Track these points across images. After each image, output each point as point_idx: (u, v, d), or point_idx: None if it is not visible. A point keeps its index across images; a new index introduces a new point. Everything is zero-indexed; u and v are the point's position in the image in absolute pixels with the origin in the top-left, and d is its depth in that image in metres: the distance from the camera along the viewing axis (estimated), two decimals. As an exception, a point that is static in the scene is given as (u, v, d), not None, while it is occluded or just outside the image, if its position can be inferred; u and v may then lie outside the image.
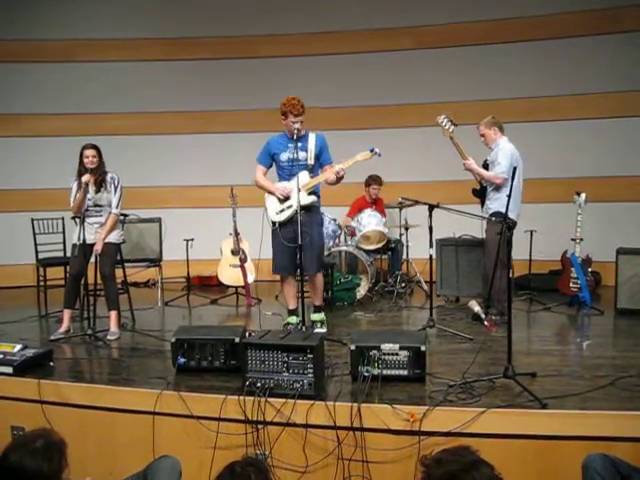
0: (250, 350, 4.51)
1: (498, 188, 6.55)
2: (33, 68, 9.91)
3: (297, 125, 6.06)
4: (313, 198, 6.22)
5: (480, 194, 6.88)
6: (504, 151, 6.59)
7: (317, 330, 6.29)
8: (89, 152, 6.38)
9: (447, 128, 6.64)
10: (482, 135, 6.79)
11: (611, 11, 8.81)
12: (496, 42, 9.24)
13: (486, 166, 6.75)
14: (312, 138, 6.26)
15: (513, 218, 6.49)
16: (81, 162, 6.40)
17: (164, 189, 10.04)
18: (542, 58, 9.08)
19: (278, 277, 6.71)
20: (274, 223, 6.30)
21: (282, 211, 6.26)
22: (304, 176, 6.13)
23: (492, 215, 6.42)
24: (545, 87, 9.05)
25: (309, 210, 6.18)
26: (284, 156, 6.24)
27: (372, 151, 6.14)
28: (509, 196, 4.96)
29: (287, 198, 6.20)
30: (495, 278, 6.10)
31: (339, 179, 6.21)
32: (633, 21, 8.71)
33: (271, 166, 6.45)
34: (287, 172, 6.24)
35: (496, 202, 6.54)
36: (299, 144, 6.18)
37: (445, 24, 9.43)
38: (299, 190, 5.93)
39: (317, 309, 6.58)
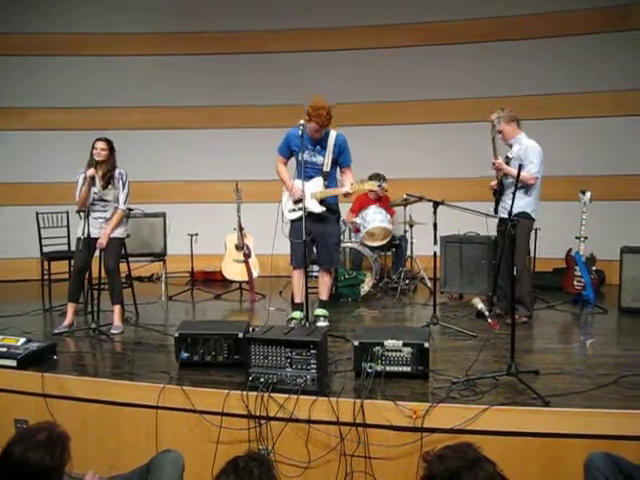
0: (253, 345, 4.51)
1: (526, 188, 6.41)
2: (40, 62, 9.91)
3: (318, 133, 6.13)
4: (322, 209, 6.25)
5: (498, 193, 6.72)
6: (534, 150, 6.44)
7: (319, 324, 6.33)
8: (99, 144, 6.39)
9: (496, 128, 6.50)
10: (500, 131, 6.58)
11: (619, 9, 8.78)
12: (504, 39, 9.22)
13: (507, 163, 6.55)
14: (332, 139, 6.27)
15: (534, 217, 6.50)
16: (92, 154, 6.41)
17: (169, 184, 10.05)
18: (549, 56, 9.05)
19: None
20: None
21: (294, 210, 6.34)
22: (317, 184, 6.21)
23: (517, 215, 6.06)
24: (552, 85, 9.04)
25: (322, 213, 6.26)
26: (300, 156, 6.22)
27: (379, 186, 6.48)
28: (514, 194, 4.95)
29: (300, 200, 6.21)
30: (522, 279, 6.15)
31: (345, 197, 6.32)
32: (640, 19, 8.70)
33: (290, 158, 6.48)
34: (303, 172, 6.23)
35: (521, 201, 6.34)
36: (317, 147, 6.22)
37: (453, 21, 9.42)
38: (304, 196, 6.01)
39: (322, 304, 6.60)
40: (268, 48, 9.86)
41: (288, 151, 6.42)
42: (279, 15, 9.81)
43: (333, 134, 6.30)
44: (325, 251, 6.42)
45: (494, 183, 6.71)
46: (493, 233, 7.45)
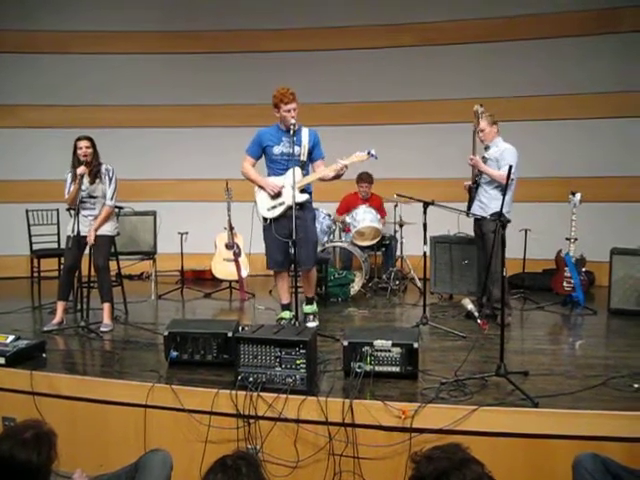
0: (243, 344, 4.51)
1: (503, 187, 6.41)
2: (29, 59, 9.86)
3: (291, 113, 6.04)
4: (306, 196, 6.20)
5: (475, 191, 6.76)
6: (511, 151, 6.50)
7: (309, 324, 6.32)
8: (82, 143, 6.38)
9: (479, 120, 6.57)
10: (481, 130, 6.62)
11: (610, 11, 8.80)
12: (496, 40, 9.22)
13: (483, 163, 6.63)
14: (305, 133, 6.23)
15: (509, 217, 6.49)
16: (75, 154, 6.39)
17: (159, 182, 10.02)
18: (542, 57, 9.06)
19: (271, 272, 6.71)
20: (265, 219, 6.27)
21: (274, 207, 6.23)
22: (297, 173, 6.13)
23: (495, 214, 6.10)
24: (543, 86, 9.04)
25: (302, 206, 6.18)
26: (277, 149, 6.20)
27: (369, 153, 6.10)
28: (504, 194, 4.96)
29: (278, 195, 6.19)
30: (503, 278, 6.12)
31: (339, 176, 6.17)
32: (632, 21, 8.70)
33: (260, 158, 6.42)
34: (280, 166, 6.20)
35: (497, 201, 6.36)
36: (294, 138, 6.16)
37: (447, 21, 9.41)
38: (294, 187, 5.93)
39: (309, 301, 6.58)
40: (260, 47, 9.84)
41: (259, 150, 6.35)
42: (273, 14, 9.79)
43: (306, 129, 6.27)
44: (309, 250, 6.30)
45: (469, 182, 6.75)
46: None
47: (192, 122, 10.00)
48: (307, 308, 6.53)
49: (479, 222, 6.64)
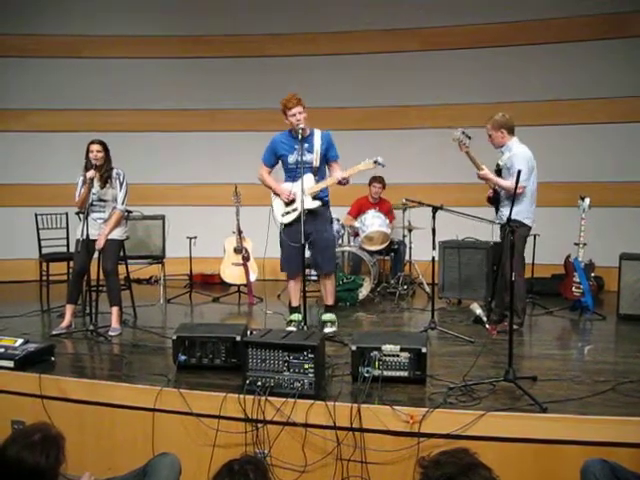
0: (251, 349, 4.51)
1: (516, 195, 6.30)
2: (37, 63, 9.91)
3: (296, 117, 6.08)
4: (317, 203, 6.22)
5: (495, 200, 6.57)
6: (519, 157, 6.25)
7: (327, 330, 6.29)
8: (94, 147, 6.40)
9: (464, 143, 6.30)
10: (489, 135, 6.51)
11: (618, 16, 8.78)
12: (502, 45, 9.21)
13: (498, 171, 6.46)
14: (318, 137, 6.27)
15: (529, 224, 6.39)
16: (87, 157, 6.42)
17: (168, 186, 10.03)
18: (549, 61, 9.05)
19: (280, 276, 6.72)
20: (281, 224, 6.35)
21: (288, 213, 6.29)
22: (309, 180, 6.16)
23: (514, 222, 5.66)
24: (551, 91, 9.04)
25: (315, 212, 6.22)
26: (291, 158, 6.25)
27: (375, 162, 6.12)
28: (513, 201, 4.94)
29: (292, 201, 6.23)
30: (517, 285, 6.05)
31: (343, 184, 6.22)
32: (640, 27, 8.71)
33: (275, 165, 6.48)
34: (295, 173, 6.21)
35: (515, 209, 6.23)
36: (305, 145, 6.19)
37: (452, 26, 9.41)
38: (302, 193, 5.99)
39: (328, 309, 6.56)
40: (268, 51, 9.87)
41: (274, 158, 6.42)
42: (279, 18, 9.81)
43: (318, 132, 6.31)
44: (323, 255, 6.37)
45: (490, 192, 6.69)
46: (492, 239, 7.47)
47: (201, 126, 10.02)
48: (326, 316, 6.50)
49: (502, 230, 6.53)
